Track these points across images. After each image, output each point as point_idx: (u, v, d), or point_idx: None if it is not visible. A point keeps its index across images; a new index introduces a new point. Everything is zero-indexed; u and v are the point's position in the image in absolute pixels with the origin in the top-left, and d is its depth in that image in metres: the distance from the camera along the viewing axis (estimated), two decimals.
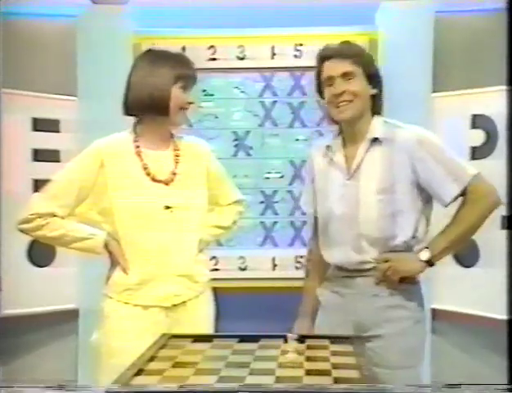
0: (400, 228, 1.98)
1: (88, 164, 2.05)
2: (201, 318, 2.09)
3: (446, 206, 2.01)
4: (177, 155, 2.10)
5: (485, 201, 1.99)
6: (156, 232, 2.02)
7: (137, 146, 2.07)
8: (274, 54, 3.16)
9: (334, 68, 2.00)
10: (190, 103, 2.08)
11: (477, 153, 3.01)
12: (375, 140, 2.01)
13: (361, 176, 2.00)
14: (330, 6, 3.01)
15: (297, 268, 3.09)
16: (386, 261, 1.98)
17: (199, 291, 2.09)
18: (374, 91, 2.04)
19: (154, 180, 2.04)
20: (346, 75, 1.98)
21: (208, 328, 2.09)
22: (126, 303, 2.03)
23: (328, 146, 2.10)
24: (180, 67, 2.04)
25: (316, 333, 2.05)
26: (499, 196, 2.02)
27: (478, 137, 3.01)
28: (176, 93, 2.02)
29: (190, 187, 2.08)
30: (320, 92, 2.08)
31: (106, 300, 2.06)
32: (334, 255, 2.06)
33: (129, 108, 2.08)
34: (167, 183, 2.05)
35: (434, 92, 3.09)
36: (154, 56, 2.09)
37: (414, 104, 3.05)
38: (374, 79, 2.04)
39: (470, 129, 3.03)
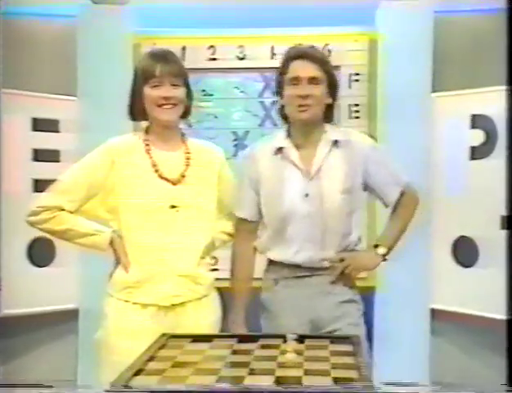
0: (355, 226, 2.14)
1: (100, 162, 2.07)
2: (202, 320, 2.07)
3: (388, 207, 2.19)
4: (187, 158, 2.10)
5: (415, 202, 2.22)
6: (159, 231, 2.03)
7: (147, 145, 2.09)
8: (274, 54, 3.16)
9: (302, 69, 2.06)
10: (168, 98, 2.03)
11: (476, 153, 3.01)
12: (335, 142, 2.10)
13: (324, 176, 2.08)
14: (329, 6, 3.01)
15: None
16: (341, 260, 2.10)
17: (201, 294, 2.09)
18: (329, 100, 2.13)
19: (161, 178, 2.05)
20: (313, 80, 2.05)
21: (208, 332, 2.07)
22: (126, 301, 2.04)
23: (279, 148, 2.12)
24: (146, 65, 2.05)
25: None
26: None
27: (477, 137, 3.01)
28: (147, 93, 2.04)
29: (198, 189, 2.08)
30: (279, 90, 2.13)
31: (107, 298, 2.07)
32: (294, 255, 2.10)
33: (131, 116, 2.14)
34: (174, 183, 2.06)
35: (434, 92, 3.10)
36: (139, 61, 2.14)
37: (414, 104, 3.05)
38: (333, 88, 2.13)
39: (470, 129, 3.03)
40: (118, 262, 2.07)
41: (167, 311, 2.03)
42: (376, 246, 2.16)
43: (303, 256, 2.08)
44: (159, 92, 2.03)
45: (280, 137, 2.15)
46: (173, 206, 2.04)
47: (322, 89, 2.07)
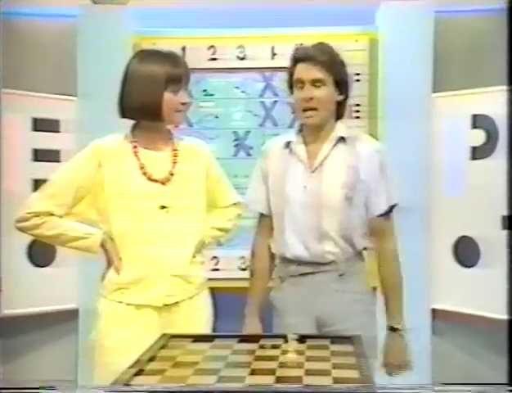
0: (356, 224, 2.09)
1: (86, 163, 2.05)
2: (195, 319, 2.07)
3: (371, 217, 2.11)
4: (175, 156, 2.09)
5: (392, 233, 2.18)
6: (150, 232, 2.02)
7: (135, 147, 2.07)
8: (274, 54, 3.17)
9: (305, 72, 2.07)
10: (185, 104, 2.06)
11: (477, 153, 3.01)
12: (341, 139, 2.11)
13: (326, 170, 2.08)
14: (330, 6, 3.01)
15: None
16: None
17: (193, 293, 2.08)
18: (340, 97, 2.12)
19: (150, 180, 2.04)
20: (316, 81, 2.05)
21: (202, 330, 2.07)
22: (119, 302, 2.03)
23: (288, 142, 2.16)
24: (169, 69, 2.00)
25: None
26: None
27: (478, 137, 3.01)
28: (168, 98, 2.01)
29: (187, 187, 2.08)
30: (291, 88, 2.15)
31: (100, 300, 2.07)
32: (294, 247, 2.09)
33: (124, 113, 2.07)
34: (163, 183, 2.05)
35: (435, 92, 3.09)
36: (144, 60, 2.05)
37: (414, 104, 3.05)
38: (342, 85, 2.11)
39: (471, 129, 3.03)
40: (110, 264, 2.07)
41: (160, 311, 2.03)
42: (394, 330, 2.13)
43: (300, 249, 2.08)
44: (179, 97, 2.03)
45: (292, 132, 2.19)
46: (163, 207, 2.03)
47: (327, 90, 2.06)
